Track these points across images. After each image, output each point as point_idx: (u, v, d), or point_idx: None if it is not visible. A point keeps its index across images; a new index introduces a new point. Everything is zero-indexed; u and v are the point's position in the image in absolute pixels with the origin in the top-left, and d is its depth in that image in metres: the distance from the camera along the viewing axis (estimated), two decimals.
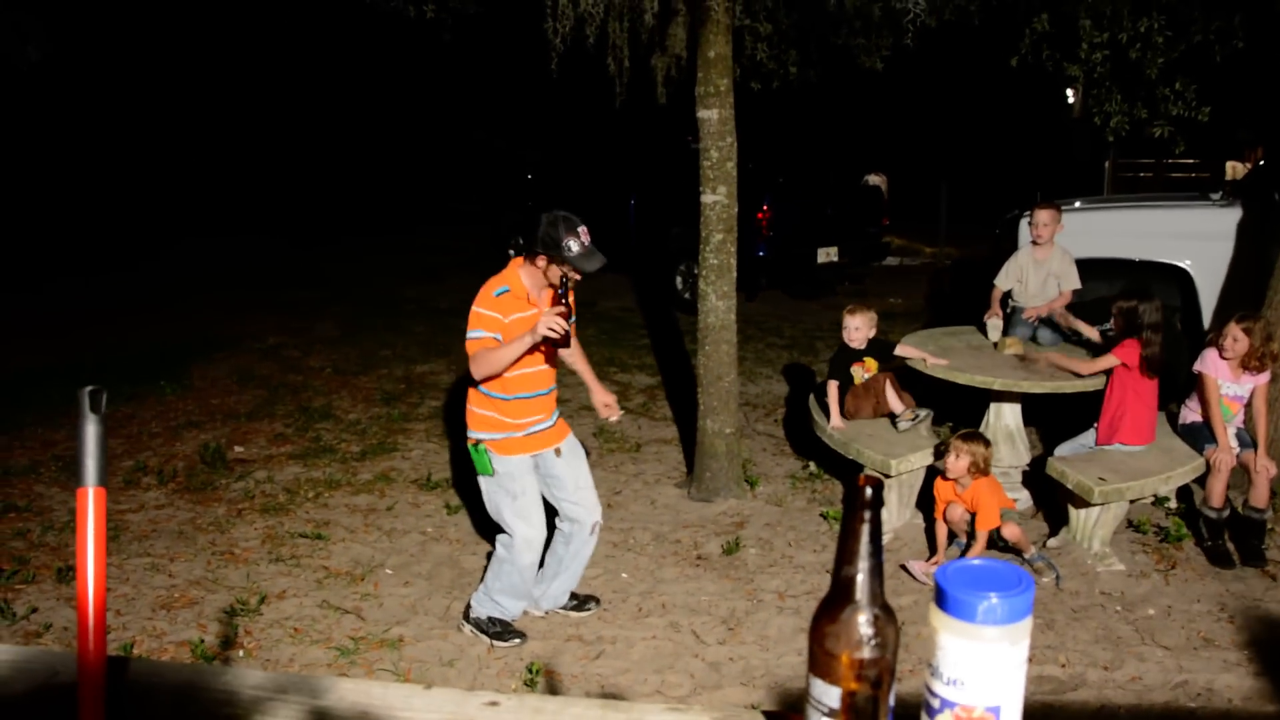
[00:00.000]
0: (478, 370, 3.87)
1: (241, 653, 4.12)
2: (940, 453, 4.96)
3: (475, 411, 4.05)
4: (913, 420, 5.27)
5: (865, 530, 0.89)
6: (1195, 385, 5.16)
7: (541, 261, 3.85)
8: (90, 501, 1.11)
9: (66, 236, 16.50)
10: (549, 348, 3.97)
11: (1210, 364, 4.99)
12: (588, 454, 4.50)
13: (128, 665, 1.23)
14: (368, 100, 23.44)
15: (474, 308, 3.89)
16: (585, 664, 4.03)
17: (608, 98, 6.29)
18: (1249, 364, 4.93)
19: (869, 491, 0.88)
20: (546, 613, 4.37)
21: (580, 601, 4.44)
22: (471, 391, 4.07)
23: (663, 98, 6.10)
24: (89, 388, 1.11)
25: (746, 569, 4.83)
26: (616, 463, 6.23)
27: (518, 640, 4.15)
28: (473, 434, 4.06)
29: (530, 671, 3.93)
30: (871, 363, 5.47)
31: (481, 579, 4.32)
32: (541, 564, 4.26)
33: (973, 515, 4.72)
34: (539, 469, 4.11)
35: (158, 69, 20.64)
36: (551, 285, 3.89)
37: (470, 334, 3.87)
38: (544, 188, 13.17)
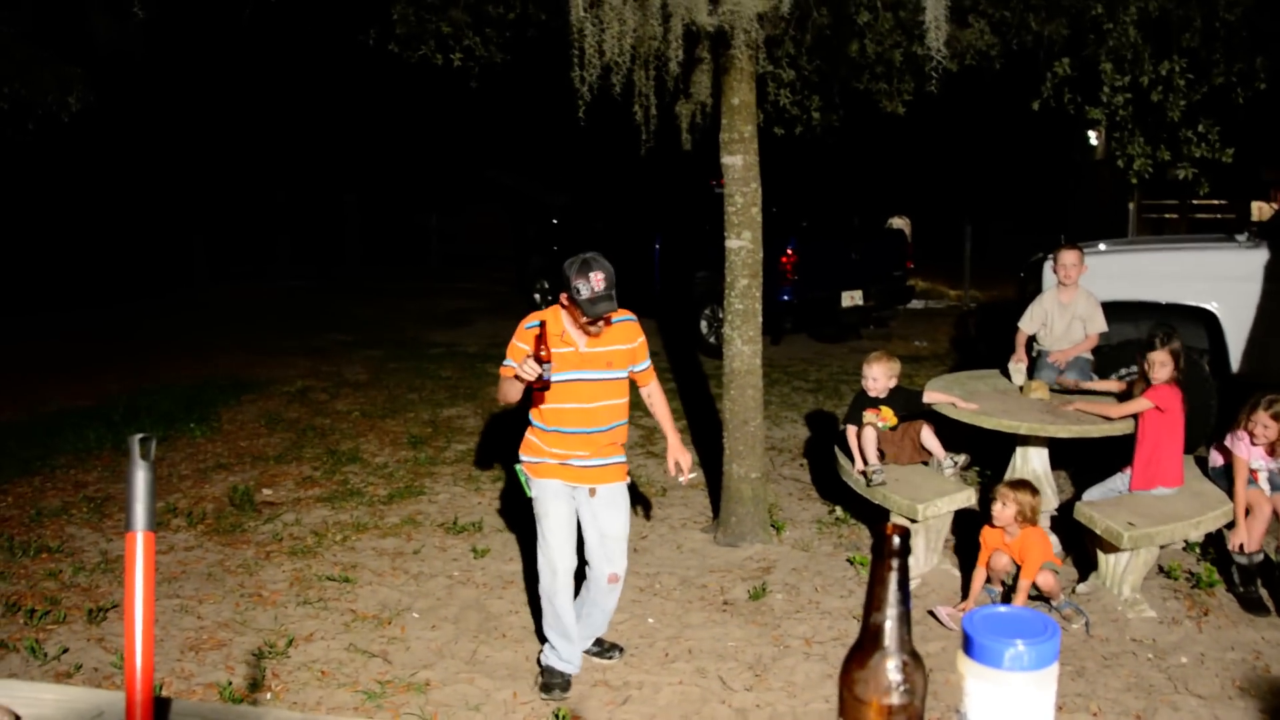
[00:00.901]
0: (499, 395, 4.14)
1: (269, 695, 4.14)
2: (987, 500, 4.92)
3: (525, 436, 4.21)
4: (954, 464, 5.25)
5: (893, 578, 0.91)
6: (1225, 433, 5.12)
7: (565, 300, 3.95)
8: (140, 546, 1.15)
9: (100, 266, 16.77)
10: (595, 388, 4.04)
11: (1244, 448, 4.94)
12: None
13: (170, 705, 1.26)
14: (395, 143, 23.75)
15: (514, 339, 4.05)
16: (612, 709, 4.02)
17: (633, 144, 6.37)
18: (1276, 451, 4.91)
19: (897, 540, 0.91)
20: None
21: (604, 649, 4.42)
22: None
23: (688, 144, 6.17)
24: (139, 436, 1.15)
25: (773, 614, 4.81)
26: (642, 508, 6.24)
27: (559, 693, 4.09)
28: (519, 455, 4.22)
29: (556, 717, 3.93)
30: (887, 411, 5.45)
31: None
32: None
33: (1017, 566, 4.68)
34: (575, 499, 4.14)
35: (193, 108, 21.04)
36: (580, 325, 3.97)
37: (506, 363, 4.05)
38: (569, 232, 13.28)
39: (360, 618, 4.80)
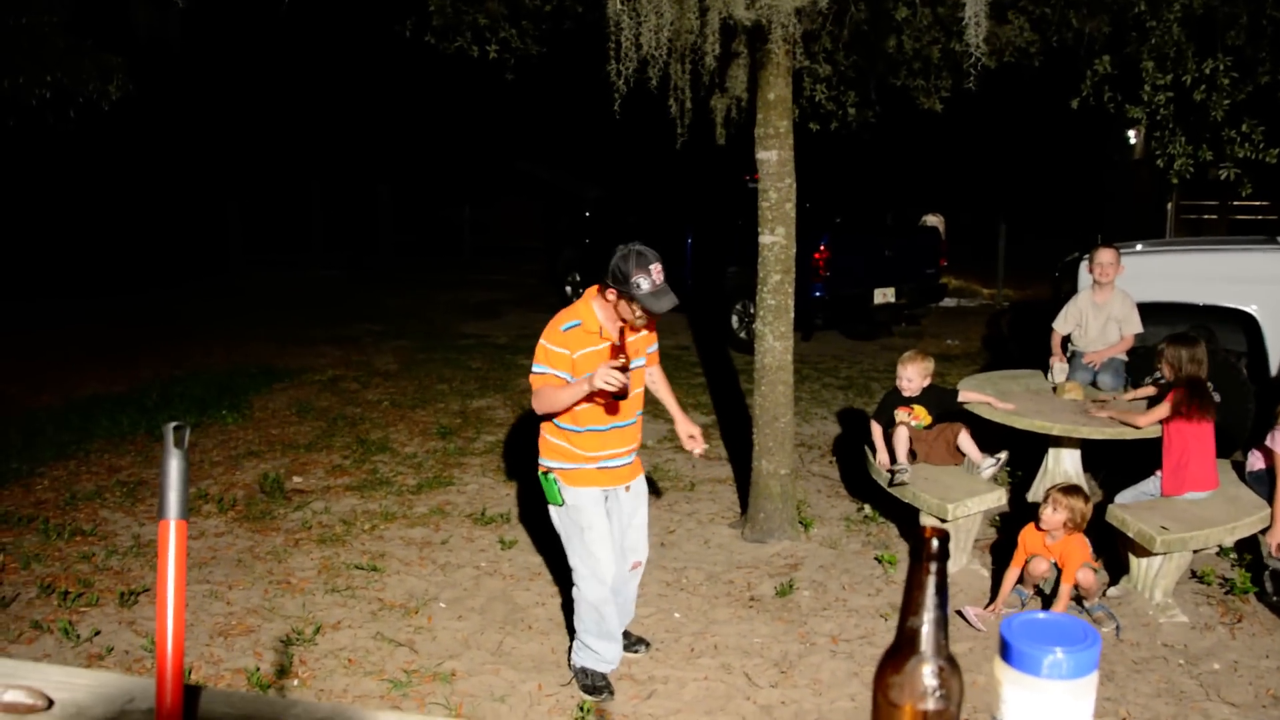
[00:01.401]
0: (538, 406, 3.81)
1: (296, 682, 4.17)
2: (1023, 500, 4.85)
3: (547, 439, 3.97)
4: (995, 464, 5.18)
5: (931, 582, 0.90)
6: (1262, 439, 5.04)
7: (612, 295, 3.74)
8: (172, 534, 1.15)
9: (137, 253, 16.96)
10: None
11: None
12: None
13: (200, 693, 1.27)
14: (429, 134, 23.84)
15: (541, 341, 3.79)
16: (636, 704, 4.02)
17: (668, 137, 6.35)
18: None
19: (935, 543, 0.89)
20: None
21: (632, 642, 4.41)
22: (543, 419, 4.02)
23: (722, 138, 6.14)
24: (173, 424, 1.15)
25: (800, 611, 4.79)
26: (670, 501, 6.24)
27: (606, 695, 4.03)
28: (543, 462, 3.99)
29: (581, 710, 3.93)
30: (921, 410, 5.40)
31: (572, 630, 4.24)
32: None
33: (1058, 570, 4.63)
34: (607, 502, 4.02)
35: (231, 97, 21.22)
36: (624, 320, 3.79)
37: (534, 368, 3.80)
38: (602, 224, 13.28)
39: (387, 607, 4.82)
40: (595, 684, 4.07)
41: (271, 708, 1.25)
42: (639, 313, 3.75)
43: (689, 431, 4.16)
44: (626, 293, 3.68)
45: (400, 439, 7.51)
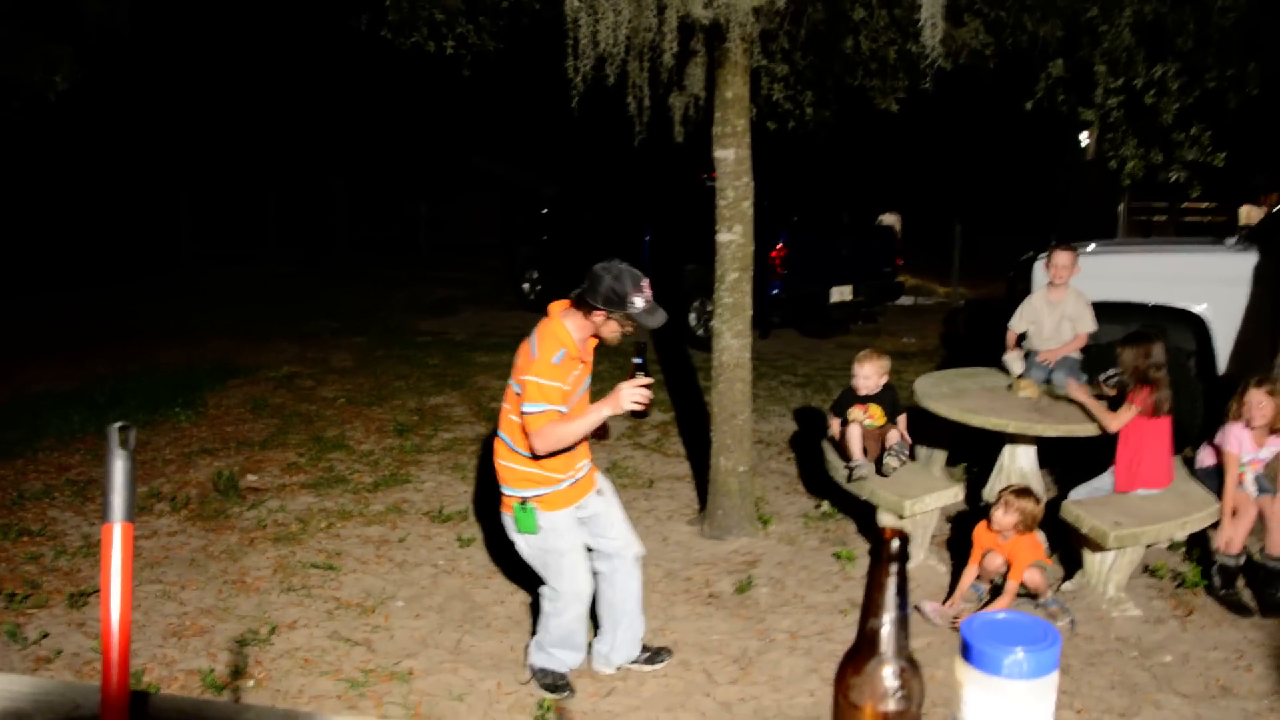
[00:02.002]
0: (544, 445, 3.62)
1: (251, 683, 4.12)
2: (978, 497, 4.89)
3: (516, 469, 3.83)
4: (896, 456, 5.15)
5: (892, 583, 0.89)
6: (1212, 436, 5.12)
7: (599, 316, 3.65)
8: (117, 538, 1.12)
9: (86, 247, 16.66)
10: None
11: (1233, 439, 4.94)
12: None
13: (148, 700, 1.24)
14: (383, 132, 23.65)
15: (533, 378, 3.62)
16: (596, 701, 4.01)
17: (626, 135, 6.34)
18: (1276, 426, 4.91)
19: (896, 544, 0.89)
20: (619, 669, 4.19)
21: (653, 653, 4.27)
22: (501, 446, 3.89)
23: (680, 136, 6.14)
24: (118, 425, 1.12)
25: (758, 608, 4.80)
26: (629, 499, 6.22)
27: (568, 694, 4.00)
28: (515, 493, 3.85)
29: (541, 708, 3.91)
30: (876, 409, 5.39)
31: (533, 629, 4.24)
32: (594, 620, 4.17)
33: (1008, 566, 4.68)
34: (580, 512, 3.97)
35: (183, 91, 20.91)
36: (599, 337, 3.75)
37: (533, 408, 3.61)
38: (559, 222, 13.24)
39: (344, 606, 4.78)
40: (556, 683, 4.04)
41: (223, 712, 1.23)
42: (628, 330, 3.69)
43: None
44: (622, 313, 3.64)
45: (357, 436, 7.44)
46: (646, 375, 3.55)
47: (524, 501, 3.81)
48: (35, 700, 1.23)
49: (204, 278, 16.48)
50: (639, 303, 3.62)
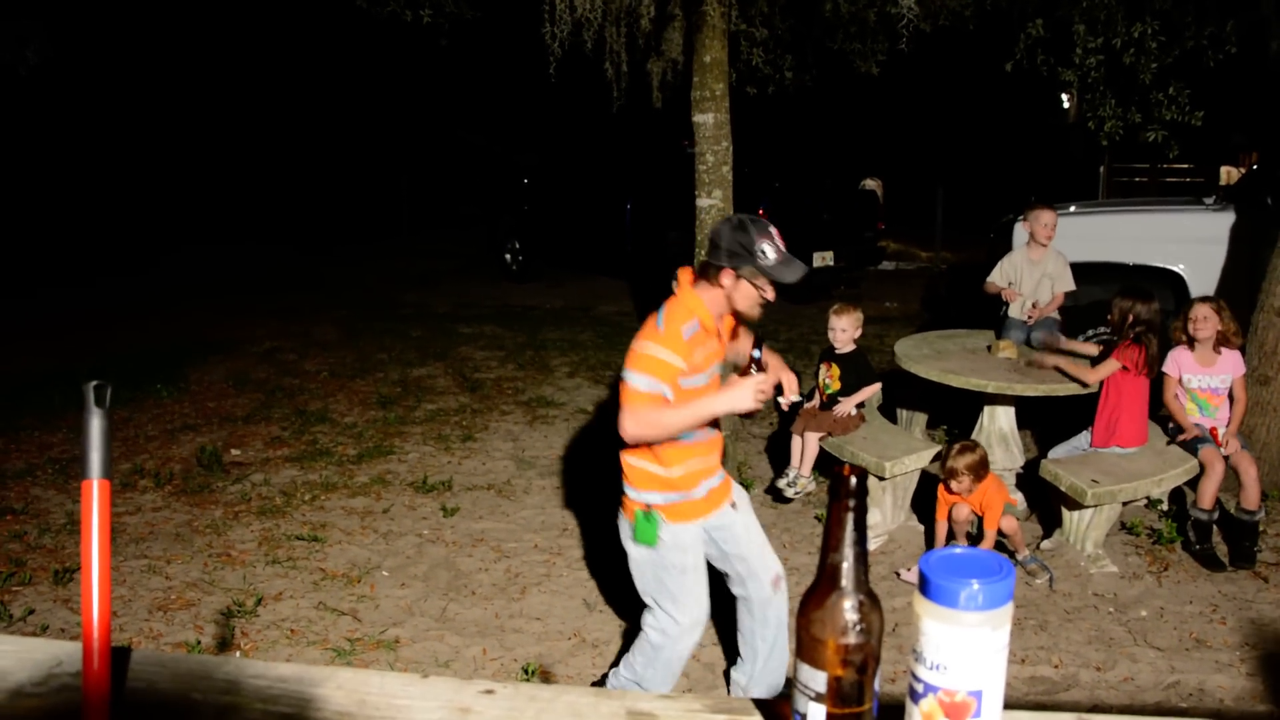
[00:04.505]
0: (634, 427, 3.02)
1: (238, 654, 4.14)
2: (945, 474, 4.90)
3: (641, 467, 3.25)
4: (790, 484, 5.29)
5: (850, 518, 0.92)
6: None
7: (728, 279, 3.08)
8: (95, 494, 1.13)
9: (65, 241, 16.50)
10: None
11: (1171, 362, 5.03)
12: None
13: (130, 655, 1.26)
14: (363, 104, 23.46)
15: (647, 345, 3.05)
16: (583, 664, 4.05)
17: (605, 102, 6.32)
18: (1225, 343, 4.96)
19: (853, 481, 0.91)
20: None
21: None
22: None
23: (659, 102, 6.14)
24: (93, 382, 1.13)
25: None
26: (613, 466, 6.25)
27: None
28: (639, 495, 3.27)
29: (526, 672, 3.95)
30: (836, 372, 5.36)
31: (615, 661, 3.78)
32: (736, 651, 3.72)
33: (979, 516, 4.73)
34: (713, 531, 3.39)
35: (154, 73, 20.66)
36: (736, 310, 3.18)
37: (634, 379, 3.02)
38: (541, 192, 13.20)
39: (329, 576, 4.80)
40: None
41: (204, 667, 1.25)
42: (766, 292, 3.11)
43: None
44: (752, 268, 3.04)
45: (340, 409, 7.44)
46: (763, 369, 3.05)
47: (649, 509, 3.23)
48: (19, 657, 1.24)
49: (182, 255, 16.36)
50: (769, 253, 3.03)
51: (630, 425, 3.02)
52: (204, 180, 20.68)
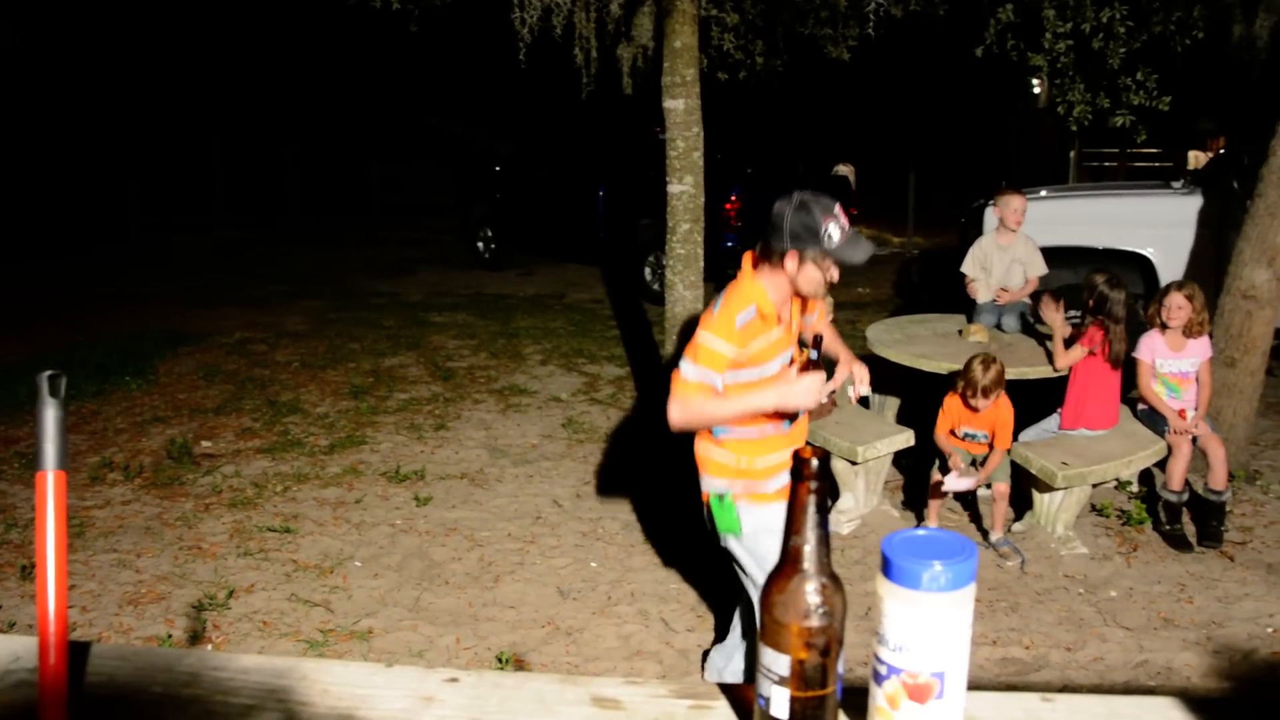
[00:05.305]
0: (681, 416, 2.94)
1: (210, 647, 4.11)
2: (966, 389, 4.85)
3: (714, 458, 3.16)
4: None
5: (812, 501, 0.91)
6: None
7: (792, 261, 2.95)
8: (50, 485, 1.11)
9: (31, 219, 16.30)
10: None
11: (1145, 348, 5.07)
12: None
13: (90, 649, 1.24)
14: (331, 90, 23.27)
15: (701, 334, 2.97)
16: (555, 653, 4.05)
17: (575, 88, 6.29)
18: (1192, 331, 5.01)
19: (814, 463, 0.91)
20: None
21: None
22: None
23: (629, 88, 6.12)
24: (48, 373, 1.11)
25: (716, 558, 4.85)
26: (585, 453, 6.25)
27: None
28: (712, 484, 3.17)
29: (500, 661, 3.95)
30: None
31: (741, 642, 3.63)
32: (723, 634, 3.75)
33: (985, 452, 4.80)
34: None
35: (120, 54, 20.41)
36: (800, 294, 3.07)
37: (685, 367, 2.96)
38: (513, 179, 13.14)
39: (302, 568, 4.77)
40: None
41: (165, 659, 1.23)
42: (832, 274, 3.00)
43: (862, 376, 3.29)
44: (818, 250, 2.92)
45: (311, 400, 7.39)
46: (820, 366, 2.94)
47: (721, 496, 3.13)
48: None
49: (151, 245, 16.19)
50: (835, 233, 2.90)
51: (676, 413, 2.94)
52: (165, 161, 20.38)
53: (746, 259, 3.08)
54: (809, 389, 2.86)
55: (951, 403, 4.90)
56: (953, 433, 4.92)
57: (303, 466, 6.05)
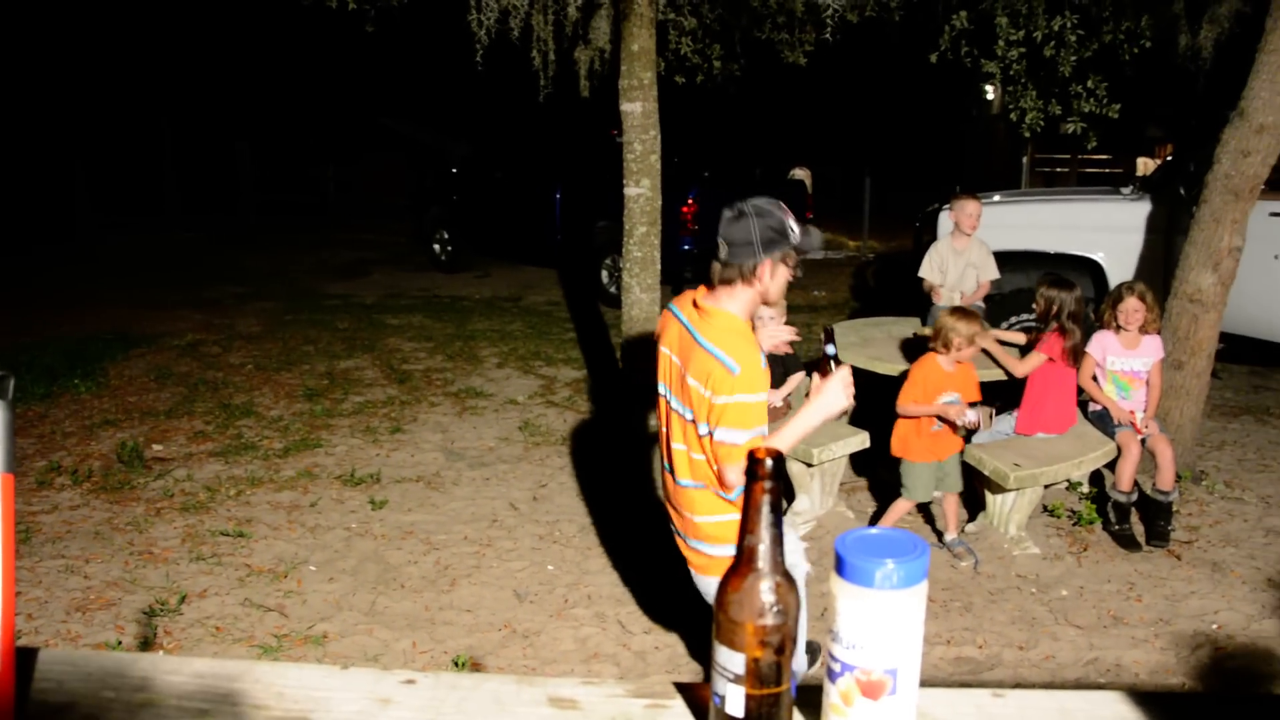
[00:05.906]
0: (740, 477, 2.73)
1: (161, 653, 4.05)
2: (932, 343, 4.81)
3: (727, 524, 3.02)
4: None
5: (766, 500, 0.92)
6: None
7: (764, 270, 2.85)
8: None
9: None
10: None
11: (1096, 344, 5.16)
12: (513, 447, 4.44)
13: (38, 655, 1.22)
14: (289, 89, 23.06)
15: (741, 397, 2.75)
16: (513, 656, 4.03)
17: (533, 91, 6.28)
18: (1146, 329, 5.10)
19: (769, 463, 0.92)
20: None
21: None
22: (700, 499, 3.03)
23: (586, 91, 6.12)
24: None
25: (673, 560, 4.85)
26: (543, 456, 6.24)
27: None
28: (727, 551, 3.00)
29: (456, 665, 3.93)
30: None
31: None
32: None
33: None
34: None
35: (67, 44, 20.08)
36: (765, 302, 2.99)
37: (732, 436, 2.78)
38: (469, 181, 13.09)
39: (255, 572, 4.72)
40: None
41: (117, 664, 1.22)
42: (797, 271, 2.97)
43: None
44: (788, 248, 2.85)
45: (265, 402, 7.31)
46: (840, 363, 2.92)
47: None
48: None
49: (101, 246, 15.93)
50: (795, 225, 2.84)
51: (735, 478, 2.81)
52: (113, 161, 20.06)
53: (695, 298, 2.99)
54: (839, 388, 2.84)
55: (923, 371, 4.73)
56: None
57: (256, 470, 5.98)
